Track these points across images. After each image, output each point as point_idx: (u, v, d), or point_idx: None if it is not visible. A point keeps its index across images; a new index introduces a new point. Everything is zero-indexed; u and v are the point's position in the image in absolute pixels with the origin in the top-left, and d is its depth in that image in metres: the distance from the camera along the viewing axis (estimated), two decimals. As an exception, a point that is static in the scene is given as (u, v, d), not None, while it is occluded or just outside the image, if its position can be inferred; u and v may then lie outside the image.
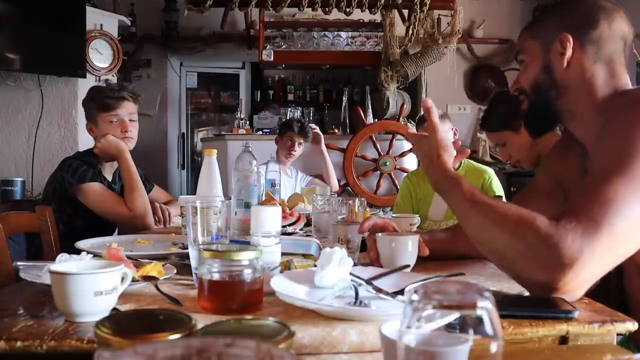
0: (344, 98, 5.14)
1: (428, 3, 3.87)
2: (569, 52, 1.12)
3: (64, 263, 0.95)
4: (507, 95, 2.28)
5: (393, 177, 4.18)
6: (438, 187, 1.14)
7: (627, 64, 1.16)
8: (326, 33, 4.67)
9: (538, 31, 1.19)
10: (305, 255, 1.28)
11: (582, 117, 1.15)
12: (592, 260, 0.90)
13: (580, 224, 0.90)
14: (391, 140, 4.17)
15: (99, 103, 2.14)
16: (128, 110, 2.17)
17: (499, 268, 1.06)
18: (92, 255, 1.10)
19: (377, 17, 4.50)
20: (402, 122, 4.27)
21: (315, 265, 1.03)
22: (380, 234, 1.27)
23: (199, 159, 5.88)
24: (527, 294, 1.01)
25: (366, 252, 1.35)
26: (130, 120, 2.17)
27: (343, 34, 4.73)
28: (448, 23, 4.50)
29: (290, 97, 6.07)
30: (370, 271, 1.09)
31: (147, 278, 1.03)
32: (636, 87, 1.14)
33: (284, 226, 1.65)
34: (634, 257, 0.97)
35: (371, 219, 1.38)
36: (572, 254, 0.89)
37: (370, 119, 4.34)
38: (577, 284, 0.92)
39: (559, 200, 1.26)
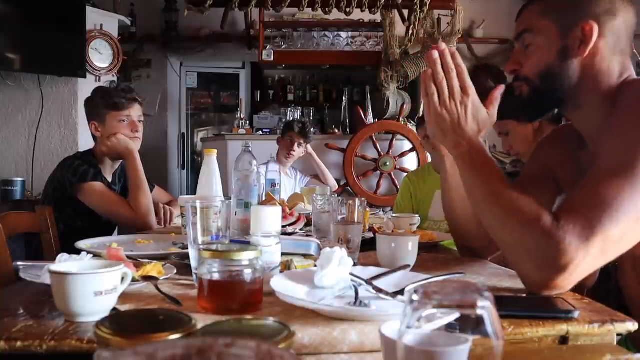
0: (344, 98, 5.14)
1: (428, 3, 3.87)
2: (593, 41, 1.06)
3: (64, 263, 0.95)
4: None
5: (393, 177, 4.18)
6: (470, 158, 1.07)
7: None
8: (326, 33, 4.67)
9: (555, 12, 1.10)
10: (305, 255, 1.28)
11: (588, 108, 1.12)
12: (586, 264, 0.93)
13: (577, 225, 0.92)
14: (391, 140, 4.18)
15: (111, 102, 2.15)
16: (137, 112, 2.19)
17: (502, 250, 1.10)
18: (92, 255, 1.10)
19: (377, 17, 4.50)
20: (402, 122, 4.28)
21: (315, 265, 1.03)
22: (380, 234, 1.26)
23: (199, 159, 5.88)
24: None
25: (366, 252, 1.35)
26: (139, 121, 2.20)
27: (343, 34, 4.73)
28: (448, 23, 4.50)
29: (291, 97, 6.08)
30: (370, 271, 1.09)
31: (147, 278, 1.03)
32: None
33: (284, 226, 1.65)
34: (629, 252, 0.98)
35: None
36: (568, 257, 0.91)
37: (370, 119, 4.34)
38: (567, 283, 0.96)
39: (548, 190, 1.26)
